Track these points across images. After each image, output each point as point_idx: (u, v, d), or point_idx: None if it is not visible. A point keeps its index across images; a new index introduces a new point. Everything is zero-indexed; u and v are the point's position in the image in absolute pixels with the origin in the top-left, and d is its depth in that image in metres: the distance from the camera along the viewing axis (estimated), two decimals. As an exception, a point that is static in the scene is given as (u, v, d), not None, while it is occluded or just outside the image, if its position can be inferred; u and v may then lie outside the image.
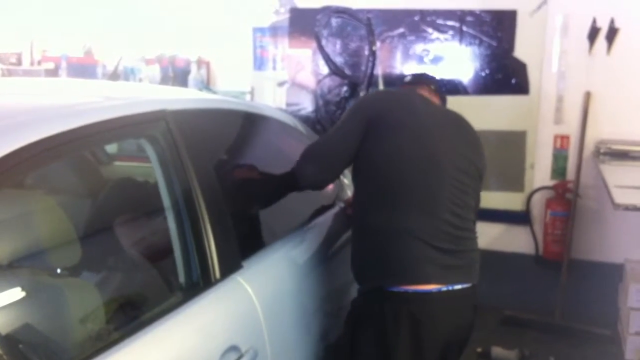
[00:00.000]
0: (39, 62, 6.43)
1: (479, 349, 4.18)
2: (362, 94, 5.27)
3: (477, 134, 2.76)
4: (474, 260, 2.43)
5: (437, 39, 5.12)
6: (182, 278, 2.01)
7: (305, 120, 4.99)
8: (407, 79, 2.88)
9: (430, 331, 2.29)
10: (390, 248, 2.33)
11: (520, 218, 5.05)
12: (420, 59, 5.19)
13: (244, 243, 2.30)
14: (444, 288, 2.30)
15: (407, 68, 5.23)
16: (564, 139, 4.92)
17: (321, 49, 5.40)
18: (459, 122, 2.72)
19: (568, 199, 4.87)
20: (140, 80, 6.02)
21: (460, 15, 5.02)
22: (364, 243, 2.44)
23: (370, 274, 2.41)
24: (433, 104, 2.71)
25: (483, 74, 5.05)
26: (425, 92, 2.73)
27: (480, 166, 2.61)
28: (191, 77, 5.89)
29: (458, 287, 2.34)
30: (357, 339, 2.37)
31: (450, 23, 5.05)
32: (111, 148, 3.04)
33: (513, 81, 4.98)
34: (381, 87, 5.31)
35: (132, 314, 1.81)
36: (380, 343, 2.29)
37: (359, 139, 2.46)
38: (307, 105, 5.54)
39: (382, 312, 2.29)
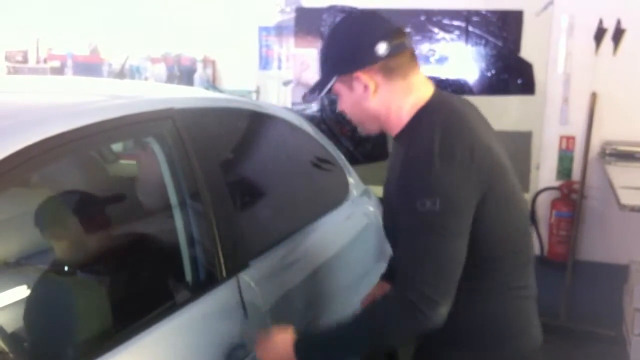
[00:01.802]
0: (45, 60, 6.44)
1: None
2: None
3: None
4: None
5: (443, 38, 5.11)
6: (188, 277, 2.01)
7: (310, 119, 4.98)
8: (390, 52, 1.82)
9: None
10: (529, 308, 1.95)
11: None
12: (426, 59, 5.19)
13: (250, 242, 2.30)
14: None
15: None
16: (570, 139, 4.91)
17: (327, 48, 5.39)
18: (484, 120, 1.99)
19: (573, 200, 4.86)
20: (146, 78, 6.03)
21: (466, 16, 5.02)
22: (495, 305, 1.88)
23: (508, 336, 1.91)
24: (469, 108, 1.95)
25: (489, 74, 5.04)
26: (420, 78, 1.91)
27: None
28: (197, 76, 5.90)
29: None
30: None
31: (456, 23, 5.05)
32: (117, 146, 3.04)
33: (519, 81, 4.98)
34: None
35: (138, 312, 1.81)
36: None
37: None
38: (312, 105, 5.54)
39: None
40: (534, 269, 1.94)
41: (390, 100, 1.82)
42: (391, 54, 1.78)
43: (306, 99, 1.92)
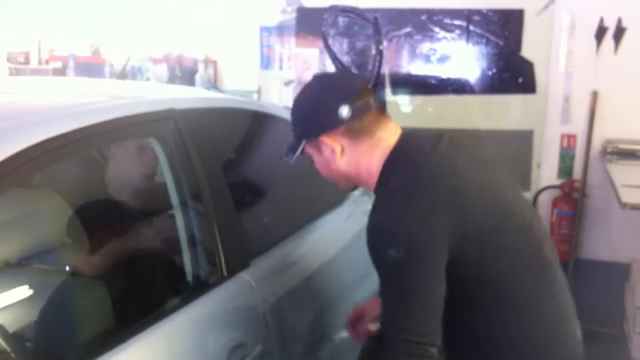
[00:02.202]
0: (47, 62, 6.45)
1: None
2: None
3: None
4: None
5: (444, 38, 5.12)
6: (189, 276, 2.02)
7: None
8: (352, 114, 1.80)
9: None
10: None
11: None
12: (427, 58, 5.19)
13: (251, 241, 2.31)
14: None
15: (414, 67, 5.24)
16: (571, 138, 4.91)
17: (328, 48, 5.34)
18: (485, 158, 1.92)
19: (575, 199, 4.86)
20: (148, 79, 6.04)
21: (467, 15, 5.02)
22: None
23: None
24: (458, 150, 1.86)
25: (490, 73, 5.04)
26: (388, 123, 1.87)
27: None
28: (198, 76, 5.90)
29: None
30: None
31: (457, 22, 5.05)
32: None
33: (520, 80, 4.98)
34: (388, 87, 5.30)
35: (140, 312, 1.82)
36: None
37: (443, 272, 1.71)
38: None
39: None
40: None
41: (359, 160, 1.83)
42: (354, 116, 1.78)
43: (283, 160, 1.93)
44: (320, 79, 1.98)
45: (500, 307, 1.78)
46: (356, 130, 1.80)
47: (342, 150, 1.82)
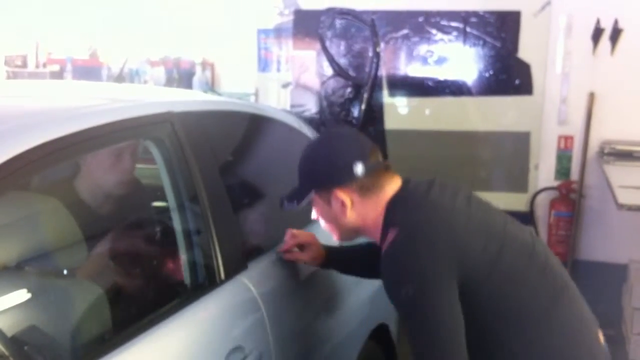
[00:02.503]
0: (44, 65, 6.45)
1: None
2: (365, 95, 5.27)
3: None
4: None
5: (441, 40, 5.12)
6: (187, 279, 2.02)
7: (309, 121, 5.00)
8: (365, 171, 1.95)
9: None
10: None
11: (524, 219, 5.04)
12: (424, 60, 5.20)
13: (248, 244, 2.31)
14: None
15: (412, 69, 5.25)
16: (568, 139, 4.92)
17: (325, 50, 5.41)
18: (467, 193, 2.04)
19: (572, 200, 4.87)
20: (145, 82, 6.04)
21: (464, 17, 5.02)
22: None
23: None
24: (450, 193, 1.99)
25: (487, 74, 5.05)
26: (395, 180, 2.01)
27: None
28: (196, 79, 5.91)
29: None
30: None
31: (454, 24, 5.06)
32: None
33: (517, 82, 4.99)
34: (385, 89, 5.31)
35: (137, 315, 1.82)
36: None
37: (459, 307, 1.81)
38: (311, 107, 5.55)
39: None
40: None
41: (367, 212, 1.97)
42: (367, 173, 1.93)
43: (284, 207, 2.08)
44: (336, 137, 2.11)
45: (522, 327, 1.85)
46: (367, 186, 1.95)
47: (352, 204, 1.96)
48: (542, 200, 5.03)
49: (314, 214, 2.09)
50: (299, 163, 2.04)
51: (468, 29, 5.03)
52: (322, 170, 1.98)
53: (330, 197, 1.96)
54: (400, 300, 1.83)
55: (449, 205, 1.91)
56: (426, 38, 5.15)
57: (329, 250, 2.35)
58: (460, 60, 5.10)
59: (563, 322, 1.89)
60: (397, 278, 1.82)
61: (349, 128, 2.19)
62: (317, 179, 1.99)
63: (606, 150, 4.67)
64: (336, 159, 1.96)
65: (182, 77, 5.95)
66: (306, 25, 5.49)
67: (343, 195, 1.94)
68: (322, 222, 2.07)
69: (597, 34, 4.73)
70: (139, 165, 2.31)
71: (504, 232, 1.93)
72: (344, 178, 1.93)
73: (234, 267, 2.10)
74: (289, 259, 2.34)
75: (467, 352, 1.79)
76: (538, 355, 1.84)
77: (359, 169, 1.92)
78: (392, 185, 1.98)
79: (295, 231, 2.36)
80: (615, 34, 4.69)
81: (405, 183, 2.00)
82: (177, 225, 2.05)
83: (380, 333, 2.93)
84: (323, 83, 5.48)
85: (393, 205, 1.95)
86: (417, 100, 5.32)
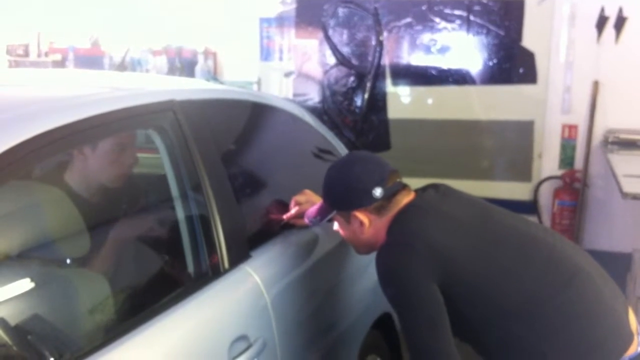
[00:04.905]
0: (46, 54, 6.44)
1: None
2: (368, 84, 5.25)
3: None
4: None
5: (445, 28, 5.10)
6: (190, 268, 2.01)
7: (312, 110, 4.99)
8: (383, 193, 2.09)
9: None
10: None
11: (528, 208, 5.05)
12: (428, 49, 5.18)
13: (252, 233, 2.31)
14: None
15: (415, 58, 5.23)
16: (572, 128, 4.91)
17: (328, 39, 5.39)
18: (472, 199, 2.25)
19: (576, 189, 4.86)
20: (148, 71, 6.03)
21: (467, 5, 5.01)
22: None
23: None
24: (450, 198, 2.18)
25: (490, 63, 5.04)
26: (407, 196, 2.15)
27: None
28: (198, 68, 5.90)
29: None
30: None
31: (457, 12, 5.04)
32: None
33: (521, 71, 4.97)
34: (388, 78, 5.30)
35: (141, 304, 1.82)
36: None
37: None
38: (314, 96, 5.54)
39: None
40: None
41: (381, 229, 2.11)
42: (385, 196, 2.07)
43: (311, 223, 2.29)
44: (358, 161, 2.19)
45: (532, 321, 1.95)
46: (384, 207, 2.09)
47: (370, 224, 2.11)
48: (546, 190, 5.02)
49: (335, 226, 2.23)
50: (323, 183, 2.18)
51: (471, 17, 5.01)
52: (343, 194, 2.12)
53: (349, 217, 2.11)
54: (387, 297, 2.03)
55: (442, 213, 2.07)
56: (429, 26, 5.13)
57: None
58: (464, 49, 5.09)
59: (576, 307, 1.96)
60: (382, 279, 2.01)
61: (370, 153, 2.26)
62: (338, 201, 2.15)
63: (610, 139, 4.66)
64: (356, 184, 2.09)
65: (185, 66, 5.95)
66: (309, 14, 5.47)
67: (361, 216, 2.09)
68: (344, 238, 2.25)
69: (601, 22, 4.71)
70: (141, 155, 2.30)
71: (500, 234, 2.08)
72: (363, 202, 2.08)
73: (238, 256, 2.10)
74: (295, 223, 2.48)
75: (489, 355, 2.02)
76: (557, 342, 1.92)
77: (377, 193, 2.06)
78: (405, 202, 2.12)
79: (299, 197, 2.47)
80: (620, 22, 4.67)
81: (415, 197, 2.14)
82: (180, 214, 2.04)
83: (383, 322, 2.93)
84: (326, 72, 5.47)
85: (394, 218, 2.10)
86: (420, 89, 5.30)
